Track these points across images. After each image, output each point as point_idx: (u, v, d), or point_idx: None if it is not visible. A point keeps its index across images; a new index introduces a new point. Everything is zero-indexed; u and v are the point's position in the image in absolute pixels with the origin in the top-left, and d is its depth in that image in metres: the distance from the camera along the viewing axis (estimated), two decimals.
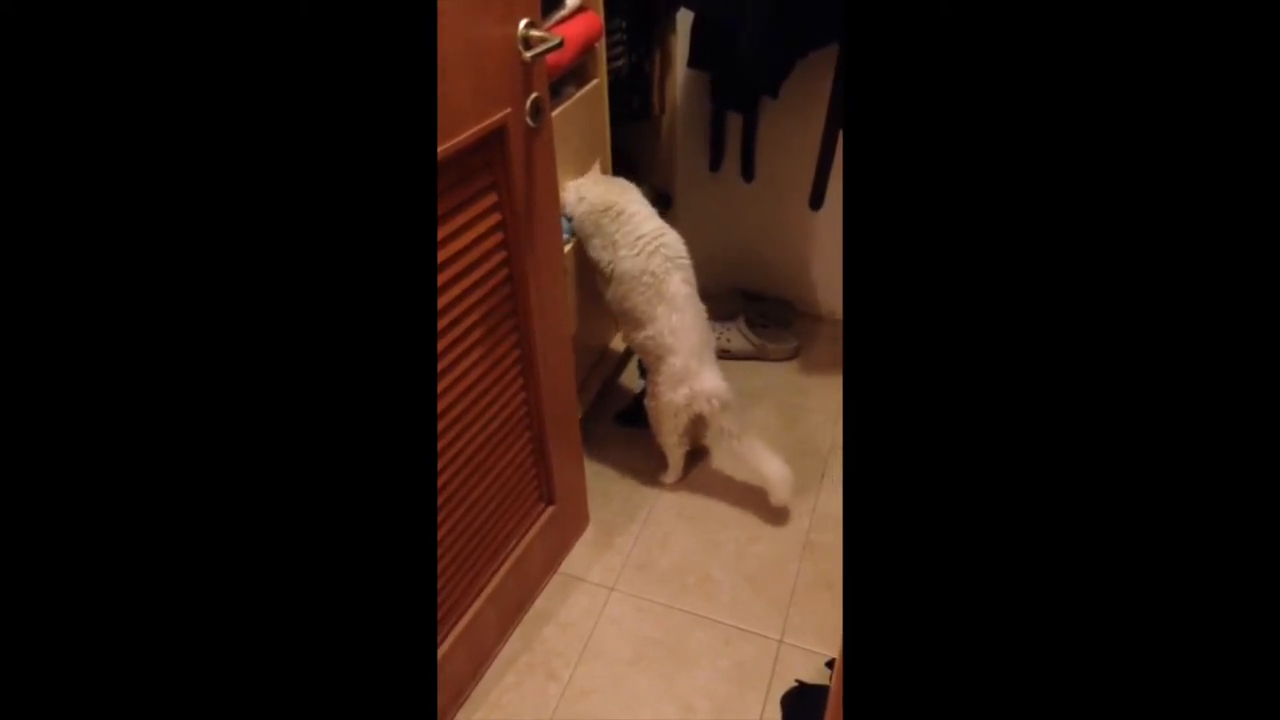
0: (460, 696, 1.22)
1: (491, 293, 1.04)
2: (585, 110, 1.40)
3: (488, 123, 0.91)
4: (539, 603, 1.37)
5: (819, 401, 1.77)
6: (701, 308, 1.43)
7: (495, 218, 1.00)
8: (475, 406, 1.07)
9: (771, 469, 1.43)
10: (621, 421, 1.72)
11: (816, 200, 1.66)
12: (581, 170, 1.43)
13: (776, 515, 1.49)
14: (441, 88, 0.82)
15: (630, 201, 1.39)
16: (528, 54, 0.93)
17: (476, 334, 1.03)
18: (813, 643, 1.28)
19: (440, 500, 1.04)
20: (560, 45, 0.95)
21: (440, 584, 1.10)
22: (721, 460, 1.62)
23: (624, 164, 1.78)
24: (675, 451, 1.54)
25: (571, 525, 1.46)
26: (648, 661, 1.28)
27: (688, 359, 1.40)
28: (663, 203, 1.87)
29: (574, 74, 1.39)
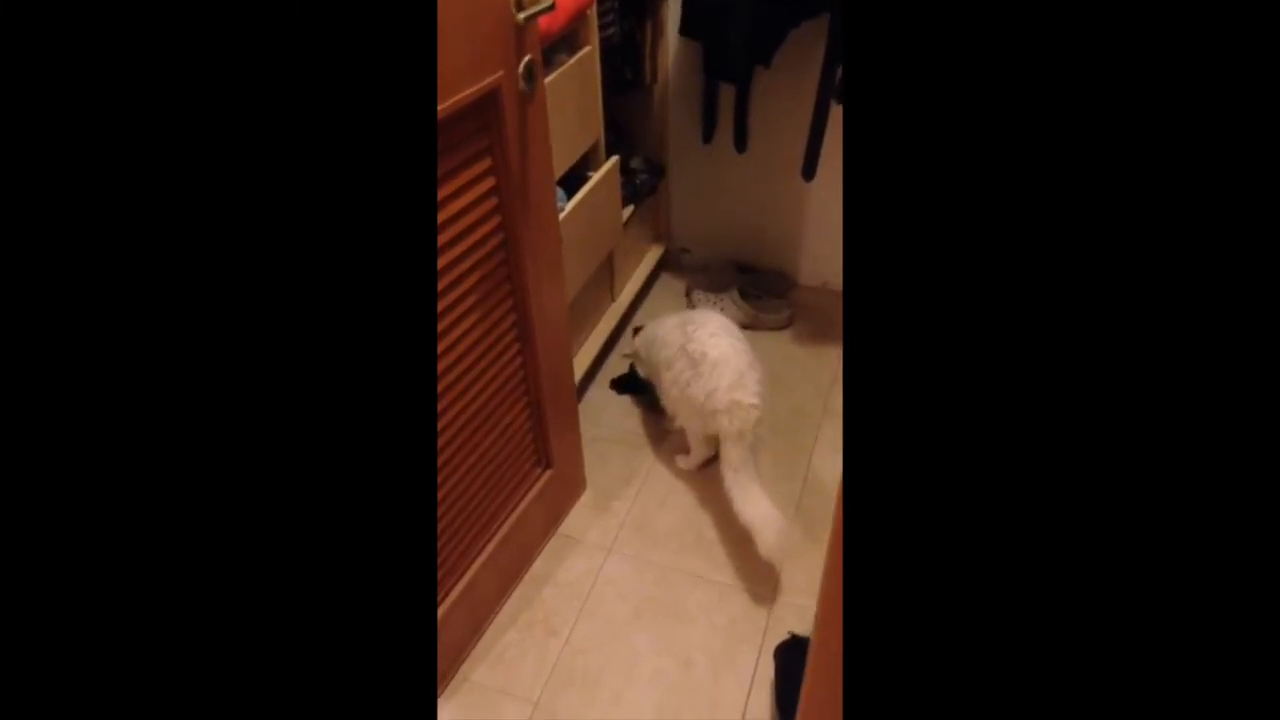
0: (460, 654, 1.26)
1: (486, 258, 1.05)
2: (578, 78, 1.41)
3: (481, 85, 0.92)
4: (537, 564, 1.40)
5: (812, 369, 1.79)
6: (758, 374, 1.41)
7: (489, 182, 1.02)
8: (471, 372, 1.09)
9: (758, 514, 1.30)
10: (618, 388, 1.75)
11: (809, 171, 1.67)
12: (574, 139, 1.43)
13: (770, 480, 1.51)
14: None
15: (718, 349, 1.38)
16: (520, 15, 0.94)
17: (471, 299, 1.04)
18: (804, 598, 1.31)
19: (438, 464, 1.07)
20: (552, 7, 0.96)
21: (439, 546, 1.13)
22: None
23: (617, 134, 1.79)
24: (701, 448, 1.51)
25: (569, 489, 1.48)
26: (645, 619, 1.31)
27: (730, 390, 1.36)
28: (655, 174, 1.88)
29: (565, 41, 1.40)
